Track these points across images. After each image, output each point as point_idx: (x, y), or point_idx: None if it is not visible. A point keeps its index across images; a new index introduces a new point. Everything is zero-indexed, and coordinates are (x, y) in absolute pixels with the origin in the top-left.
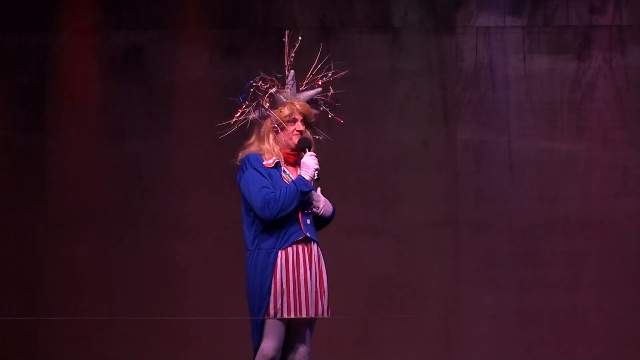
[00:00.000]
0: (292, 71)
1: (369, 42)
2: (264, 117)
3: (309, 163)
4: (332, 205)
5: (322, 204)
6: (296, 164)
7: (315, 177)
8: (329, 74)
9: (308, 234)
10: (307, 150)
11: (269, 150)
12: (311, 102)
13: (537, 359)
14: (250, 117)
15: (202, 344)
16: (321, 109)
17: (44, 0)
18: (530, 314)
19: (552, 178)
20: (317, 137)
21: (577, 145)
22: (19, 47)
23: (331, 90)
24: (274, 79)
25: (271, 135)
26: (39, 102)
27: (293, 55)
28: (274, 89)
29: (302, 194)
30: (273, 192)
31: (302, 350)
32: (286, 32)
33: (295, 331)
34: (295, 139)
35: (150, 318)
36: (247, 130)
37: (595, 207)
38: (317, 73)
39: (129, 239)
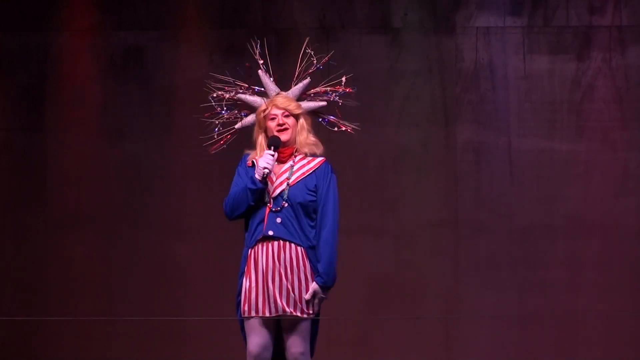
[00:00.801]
0: (259, 71)
1: (369, 42)
2: (248, 124)
3: (260, 162)
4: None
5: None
6: (288, 159)
7: (264, 176)
8: (314, 61)
9: (270, 232)
10: (271, 148)
11: (254, 152)
12: (321, 95)
13: (536, 359)
14: (237, 126)
15: (202, 344)
16: (332, 99)
17: (44, 1)
18: (530, 314)
19: (552, 178)
20: (342, 129)
21: (577, 146)
22: (19, 47)
23: (344, 78)
24: (235, 81)
25: (260, 137)
26: (39, 102)
27: (262, 61)
28: (239, 92)
29: (251, 191)
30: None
31: (293, 350)
32: (251, 41)
33: (283, 330)
34: (279, 135)
35: (150, 318)
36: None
37: (595, 207)
38: (307, 66)
39: (129, 239)
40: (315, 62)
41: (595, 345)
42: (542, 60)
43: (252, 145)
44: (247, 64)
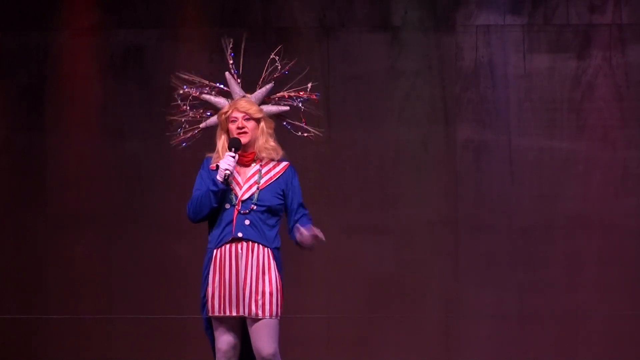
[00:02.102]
0: (226, 73)
1: (369, 41)
2: (213, 123)
3: (221, 164)
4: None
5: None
6: (251, 163)
7: (225, 177)
8: (278, 67)
9: (239, 234)
10: (232, 150)
11: (216, 153)
12: (285, 100)
13: (537, 359)
14: (201, 125)
15: (202, 344)
16: (294, 105)
17: (44, 0)
18: (530, 313)
19: (552, 177)
20: (305, 134)
21: (577, 144)
22: (18, 47)
23: (309, 85)
24: (201, 80)
25: (222, 138)
26: (39, 102)
27: (232, 62)
28: (204, 92)
29: (214, 193)
30: (196, 193)
31: (264, 353)
32: (222, 40)
33: (251, 332)
34: (239, 137)
35: (150, 317)
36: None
37: (595, 206)
38: (272, 73)
39: (129, 238)
40: (279, 67)
41: (595, 344)
42: (542, 59)
43: (214, 147)
44: (230, 61)
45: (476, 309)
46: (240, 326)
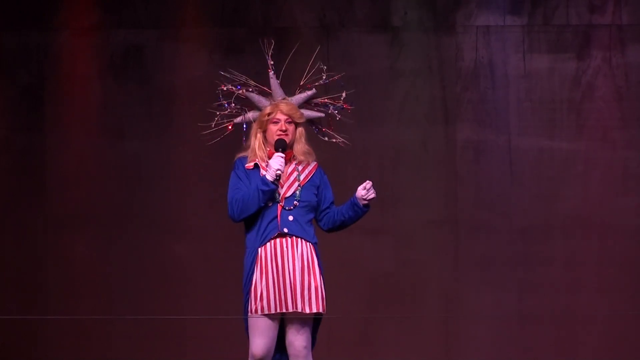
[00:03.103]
0: (270, 72)
1: (369, 41)
2: (247, 121)
3: (271, 163)
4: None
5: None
6: (288, 163)
7: (277, 178)
8: (324, 77)
9: (285, 230)
10: (280, 150)
11: (251, 152)
12: (320, 106)
13: (536, 359)
14: (236, 120)
15: (202, 344)
16: (330, 112)
17: (44, 0)
18: (529, 314)
19: (551, 177)
20: (334, 140)
21: (576, 145)
22: (18, 46)
23: (344, 94)
24: (247, 80)
25: (259, 136)
26: (39, 101)
27: (272, 62)
28: (249, 91)
29: (263, 192)
30: (240, 193)
31: (297, 344)
32: (261, 41)
33: (288, 324)
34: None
35: (150, 317)
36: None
37: (595, 206)
38: (313, 75)
39: (129, 238)
40: (324, 77)
41: (595, 345)
42: (542, 59)
43: (241, 148)
44: (270, 62)
45: (476, 309)
46: (279, 325)
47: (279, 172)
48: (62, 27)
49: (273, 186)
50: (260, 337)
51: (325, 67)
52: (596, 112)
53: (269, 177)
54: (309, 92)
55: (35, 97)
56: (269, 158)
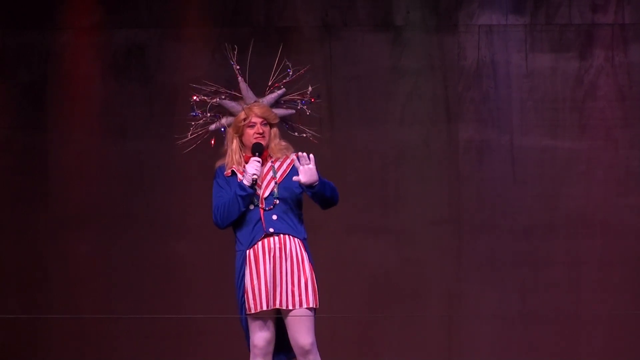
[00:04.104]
0: (239, 78)
1: (371, 40)
2: (222, 127)
3: (248, 169)
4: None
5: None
6: (264, 163)
7: (253, 182)
8: (290, 72)
9: (271, 230)
10: (256, 155)
11: (229, 159)
12: (289, 103)
13: (539, 358)
14: (211, 128)
15: (204, 342)
16: (299, 108)
17: (46, 0)
18: (532, 313)
19: (554, 177)
20: (304, 135)
21: (579, 144)
22: (20, 46)
23: (309, 88)
24: (218, 88)
25: (235, 142)
26: (41, 101)
27: (238, 67)
28: (221, 98)
29: (242, 197)
30: (220, 200)
31: (302, 342)
32: (226, 45)
33: (290, 324)
34: (259, 142)
35: (152, 316)
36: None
37: (597, 205)
38: (279, 74)
39: (131, 237)
40: (291, 73)
41: (597, 344)
42: (545, 59)
43: (219, 155)
44: (236, 66)
45: (478, 309)
46: (275, 320)
47: (254, 176)
48: (64, 27)
49: (250, 190)
50: (261, 330)
51: (290, 63)
52: (598, 112)
53: (246, 182)
54: (279, 92)
55: (37, 96)
56: (247, 162)
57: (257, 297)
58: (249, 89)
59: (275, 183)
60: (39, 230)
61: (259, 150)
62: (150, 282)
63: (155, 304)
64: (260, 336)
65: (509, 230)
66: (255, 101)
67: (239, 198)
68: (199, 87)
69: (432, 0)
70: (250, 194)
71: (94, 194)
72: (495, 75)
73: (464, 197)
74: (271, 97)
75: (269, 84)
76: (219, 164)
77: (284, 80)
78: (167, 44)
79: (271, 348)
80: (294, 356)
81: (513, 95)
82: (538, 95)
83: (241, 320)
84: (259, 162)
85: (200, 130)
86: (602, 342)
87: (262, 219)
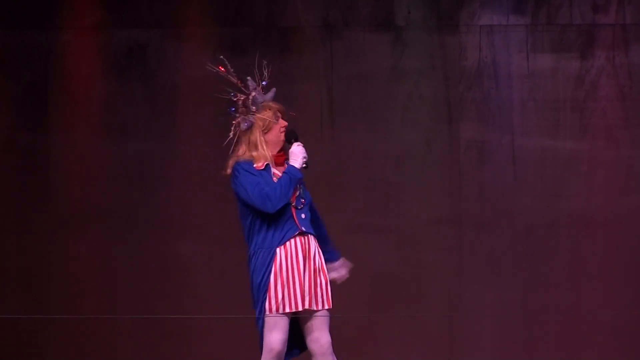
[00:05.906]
0: (248, 78)
1: (372, 40)
2: (251, 126)
3: (297, 152)
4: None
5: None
6: (283, 164)
7: (304, 165)
8: (265, 72)
9: (303, 228)
10: (293, 141)
11: (260, 155)
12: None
13: (540, 357)
14: (242, 126)
15: (205, 342)
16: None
17: None
18: (533, 312)
19: (555, 176)
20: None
21: (580, 144)
22: (21, 45)
23: (248, 78)
24: (245, 83)
25: (262, 140)
26: (42, 100)
27: (236, 74)
28: (253, 94)
29: (295, 180)
30: (268, 186)
31: (323, 341)
32: (219, 59)
33: (311, 322)
34: (283, 135)
35: (154, 317)
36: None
37: (598, 205)
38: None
39: (132, 237)
40: (265, 72)
41: (599, 343)
42: (546, 59)
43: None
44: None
45: (480, 308)
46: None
47: (305, 158)
48: (66, 26)
49: (302, 174)
50: (280, 332)
51: (265, 61)
52: (600, 112)
53: (297, 164)
54: (274, 90)
55: (38, 96)
56: (275, 160)
57: (292, 296)
58: (262, 93)
59: (304, 184)
60: (40, 230)
61: (296, 137)
62: (151, 281)
63: (156, 303)
64: (278, 339)
65: (510, 230)
66: (265, 100)
67: (293, 180)
68: (225, 60)
69: (433, 0)
70: (301, 177)
71: (95, 193)
72: (497, 76)
73: (465, 196)
74: (269, 95)
75: (264, 83)
76: (238, 159)
77: (264, 81)
78: (168, 44)
79: (284, 349)
80: (294, 355)
81: (514, 96)
82: (539, 95)
83: (257, 320)
84: (303, 146)
85: (237, 129)
86: (604, 341)
87: (295, 216)
